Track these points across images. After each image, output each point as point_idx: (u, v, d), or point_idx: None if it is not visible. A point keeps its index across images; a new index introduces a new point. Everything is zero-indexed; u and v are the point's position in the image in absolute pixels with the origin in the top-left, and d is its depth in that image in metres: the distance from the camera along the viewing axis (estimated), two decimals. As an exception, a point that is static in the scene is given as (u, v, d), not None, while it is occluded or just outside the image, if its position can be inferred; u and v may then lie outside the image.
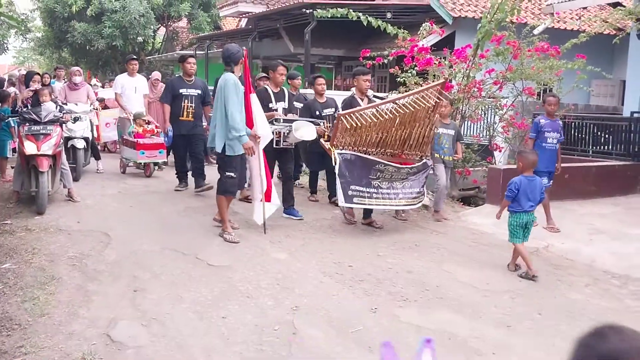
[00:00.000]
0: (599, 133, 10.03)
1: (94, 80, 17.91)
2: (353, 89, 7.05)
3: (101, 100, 11.86)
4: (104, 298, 4.39)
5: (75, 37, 23.61)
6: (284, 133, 6.69)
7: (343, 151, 6.13)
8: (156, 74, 11.81)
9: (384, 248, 5.89)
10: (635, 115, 9.81)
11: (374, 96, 7.06)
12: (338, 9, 8.80)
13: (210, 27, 25.63)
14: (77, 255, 5.33)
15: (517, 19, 8.55)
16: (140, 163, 9.26)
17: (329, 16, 8.88)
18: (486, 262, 5.59)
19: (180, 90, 8.06)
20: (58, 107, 7.57)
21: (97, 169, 9.56)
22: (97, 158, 9.66)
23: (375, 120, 6.08)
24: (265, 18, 14.81)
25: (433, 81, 8.20)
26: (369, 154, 6.29)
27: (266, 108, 6.64)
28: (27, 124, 7.07)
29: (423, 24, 8.92)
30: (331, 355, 3.60)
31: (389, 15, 12.29)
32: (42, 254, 5.35)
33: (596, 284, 5.13)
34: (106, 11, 23.00)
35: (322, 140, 6.50)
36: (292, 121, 6.73)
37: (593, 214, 7.00)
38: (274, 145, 6.59)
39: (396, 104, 6.24)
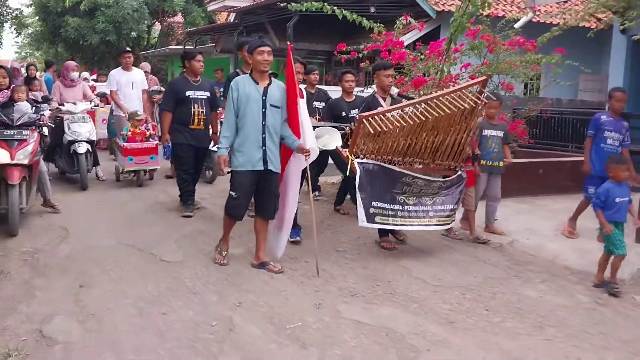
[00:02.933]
0: (580, 128, 9.95)
1: (85, 74, 17.60)
2: (373, 86, 6.01)
3: (102, 96, 11.43)
4: (47, 293, 4.34)
5: (69, 32, 23.62)
6: None
7: (364, 160, 5.25)
8: (145, 65, 11.16)
9: (345, 244, 5.84)
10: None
11: (399, 95, 6.02)
12: (312, 2, 8.71)
13: (205, 21, 25.55)
14: (31, 250, 5.30)
15: (492, 13, 8.46)
16: (131, 171, 8.21)
17: (304, 10, 8.80)
18: (445, 258, 5.54)
19: (187, 93, 6.64)
20: (34, 108, 6.40)
21: (98, 176, 8.66)
22: (96, 163, 8.60)
23: (404, 124, 5.19)
24: (251, 12, 14.75)
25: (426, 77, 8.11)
26: (395, 164, 5.38)
27: None
28: None
29: (400, 18, 8.84)
30: (263, 352, 3.55)
31: (372, 9, 12.22)
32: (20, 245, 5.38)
33: (553, 280, 5.07)
34: (100, 6, 23.01)
35: (338, 147, 5.65)
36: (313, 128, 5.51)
37: (564, 210, 6.89)
38: None
39: (428, 104, 5.31)
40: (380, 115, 5.23)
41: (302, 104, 5.01)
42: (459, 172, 5.68)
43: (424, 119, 5.23)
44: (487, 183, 6.26)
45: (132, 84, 8.94)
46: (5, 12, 23.98)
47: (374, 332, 3.85)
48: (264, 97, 4.79)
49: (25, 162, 5.87)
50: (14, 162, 5.75)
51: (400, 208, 5.39)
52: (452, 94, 5.40)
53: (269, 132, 4.81)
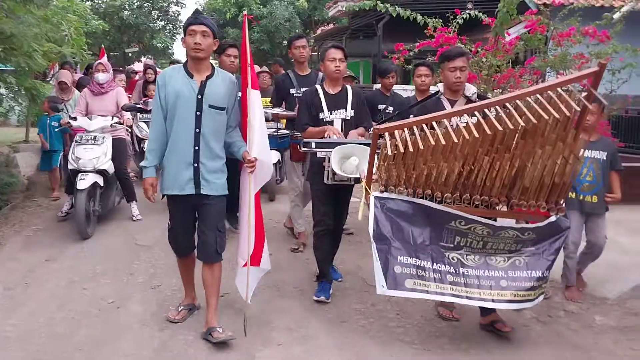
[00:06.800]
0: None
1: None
2: (439, 84, 4.12)
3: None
4: (13, 264, 4.92)
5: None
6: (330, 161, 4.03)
7: (385, 195, 3.50)
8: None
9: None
10: None
11: (478, 97, 3.98)
12: (379, 2, 8.59)
13: (353, 28, 26.16)
14: (41, 227, 6.00)
15: (553, 1, 7.65)
16: None
17: (366, 8, 8.72)
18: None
19: None
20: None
21: (132, 216, 6.38)
22: (131, 199, 6.44)
23: (453, 141, 3.32)
24: (358, 14, 14.83)
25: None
26: (441, 203, 3.49)
27: (315, 120, 4.34)
28: None
29: (461, 14, 8.34)
30: (120, 328, 3.72)
31: (470, 5, 11.59)
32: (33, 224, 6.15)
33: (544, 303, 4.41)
34: (255, 17, 24.72)
35: (361, 176, 3.77)
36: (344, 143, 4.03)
37: (622, 222, 5.96)
38: (324, 180, 4.16)
39: (497, 110, 3.44)
40: (414, 127, 3.47)
41: (253, 97, 3.71)
42: (553, 218, 3.57)
43: (483, 133, 3.32)
44: (583, 225, 4.42)
45: None
46: (178, 26, 26.76)
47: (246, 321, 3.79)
48: (199, 96, 3.55)
49: None
50: None
51: (452, 271, 3.50)
52: (540, 93, 3.42)
53: (206, 144, 3.58)
